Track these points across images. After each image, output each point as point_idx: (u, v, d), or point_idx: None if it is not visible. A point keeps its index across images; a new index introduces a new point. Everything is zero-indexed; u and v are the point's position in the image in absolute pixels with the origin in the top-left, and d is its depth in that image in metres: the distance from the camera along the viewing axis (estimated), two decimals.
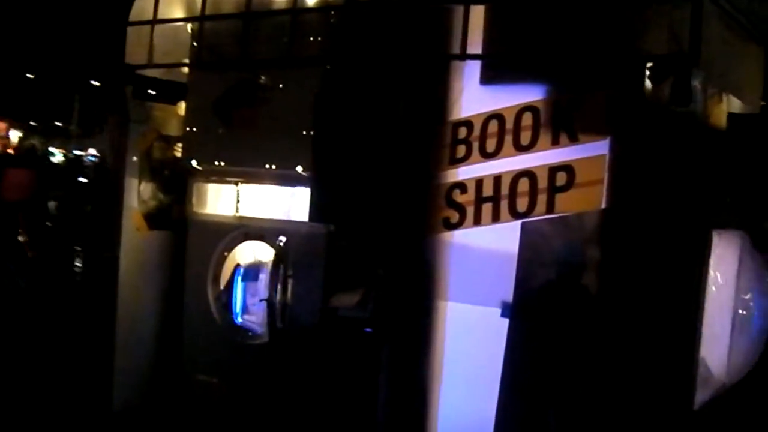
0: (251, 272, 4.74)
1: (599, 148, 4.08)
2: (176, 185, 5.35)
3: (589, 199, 4.12)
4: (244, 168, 5.04)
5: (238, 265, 5.09)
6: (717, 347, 4.48)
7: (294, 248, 4.71)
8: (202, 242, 5.31)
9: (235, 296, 4.81)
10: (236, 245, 5.23)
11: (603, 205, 4.06)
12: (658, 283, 4.06)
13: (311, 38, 4.73)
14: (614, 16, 4.01)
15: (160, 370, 5.35)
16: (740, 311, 4.41)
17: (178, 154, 5.34)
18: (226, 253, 5.25)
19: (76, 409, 5.20)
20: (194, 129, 5.24)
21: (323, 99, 4.66)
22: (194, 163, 5.22)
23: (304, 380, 4.65)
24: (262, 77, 4.93)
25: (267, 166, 4.88)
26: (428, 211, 4.51)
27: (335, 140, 4.65)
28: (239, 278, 4.76)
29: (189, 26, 5.29)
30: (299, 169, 4.74)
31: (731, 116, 4.61)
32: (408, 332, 4.53)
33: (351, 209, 4.62)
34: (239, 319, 4.86)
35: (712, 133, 4.40)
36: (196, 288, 5.33)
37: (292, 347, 4.67)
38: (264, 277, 4.66)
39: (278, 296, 4.61)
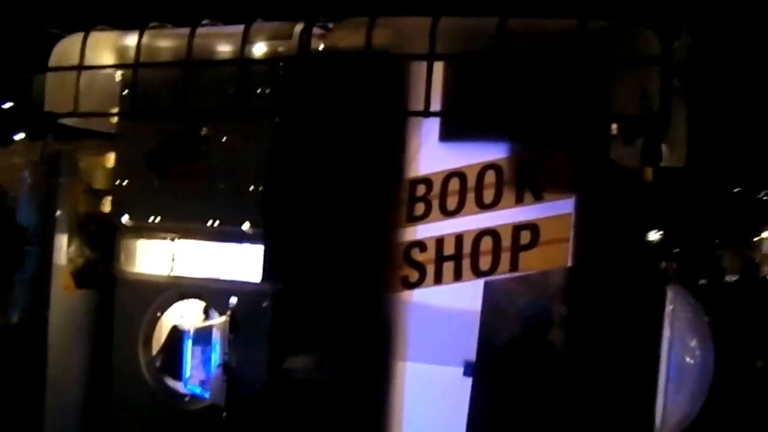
0: (202, 336, 4.39)
1: (564, 206, 4.06)
2: (104, 241, 4.94)
3: (554, 257, 4.07)
4: (182, 224, 4.69)
5: (175, 327, 4.72)
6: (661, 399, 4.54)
7: (243, 309, 4.42)
8: (132, 302, 4.89)
9: (185, 361, 4.43)
10: (170, 305, 4.87)
11: (568, 263, 4.07)
12: (619, 339, 4.08)
13: (259, 89, 4.52)
14: (580, 74, 4.05)
15: None
16: (687, 359, 4.48)
17: (107, 209, 4.95)
18: (158, 314, 4.85)
19: None
20: (125, 182, 4.88)
21: (274, 153, 4.45)
22: (125, 218, 4.85)
23: None
24: (204, 129, 4.66)
25: (209, 222, 4.60)
26: (386, 270, 4.33)
27: (287, 196, 4.43)
28: (189, 342, 4.40)
29: (119, 73, 4.96)
30: (246, 226, 4.48)
31: (661, 170, 4.76)
32: (366, 393, 4.32)
33: (305, 267, 4.39)
34: (188, 386, 4.47)
35: (649, 188, 4.52)
36: (126, 351, 4.90)
37: (247, 412, 4.34)
38: (219, 341, 4.32)
39: (234, 360, 4.29)
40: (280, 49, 4.49)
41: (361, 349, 4.30)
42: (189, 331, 4.42)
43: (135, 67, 4.80)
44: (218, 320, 4.37)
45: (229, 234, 4.56)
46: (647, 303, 4.09)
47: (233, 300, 4.39)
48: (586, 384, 3.97)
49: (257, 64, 4.55)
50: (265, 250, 4.42)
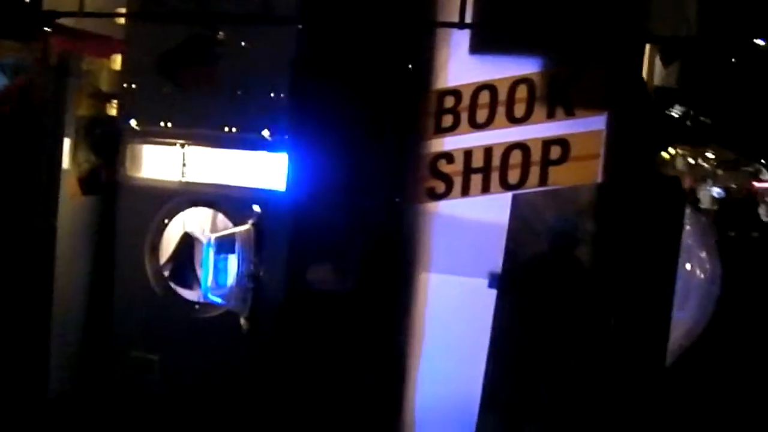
0: (222, 244, 4.28)
1: (596, 123, 4.09)
2: (109, 146, 4.73)
3: (584, 173, 4.09)
4: (194, 130, 4.54)
5: (186, 234, 4.59)
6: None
7: (262, 217, 4.32)
8: (137, 209, 4.72)
9: (206, 269, 4.32)
10: (178, 213, 4.72)
11: (598, 179, 4.10)
12: (640, 254, 4.17)
13: None
14: None
15: (94, 351, 4.73)
16: (698, 273, 4.63)
17: (112, 113, 4.72)
18: (166, 221, 4.70)
19: (6, 399, 4.46)
20: (133, 86, 4.65)
21: (298, 60, 4.30)
22: (133, 122, 4.64)
23: (281, 358, 4.29)
24: (220, 33, 4.46)
25: (226, 128, 4.44)
26: (411, 181, 4.32)
27: (312, 105, 4.31)
28: (210, 250, 4.28)
29: None
30: (266, 133, 4.35)
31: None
32: (388, 304, 4.32)
33: (328, 177, 4.31)
34: (208, 294, 4.37)
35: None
36: (130, 258, 4.76)
37: (271, 321, 4.29)
38: (244, 249, 4.22)
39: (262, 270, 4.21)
40: None
41: (384, 260, 4.29)
42: (210, 239, 4.29)
43: None
44: (241, 228, 4.26)
45: (247, 141, 4.42)
46: (668, 220, 4.18)
47: (256, 208, 4.29)
48: (609, 298, 4.07)
49: None
50: (290, 159, 4.31)
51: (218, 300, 4.37)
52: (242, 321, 4.35)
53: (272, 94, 4.35)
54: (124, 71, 4.72)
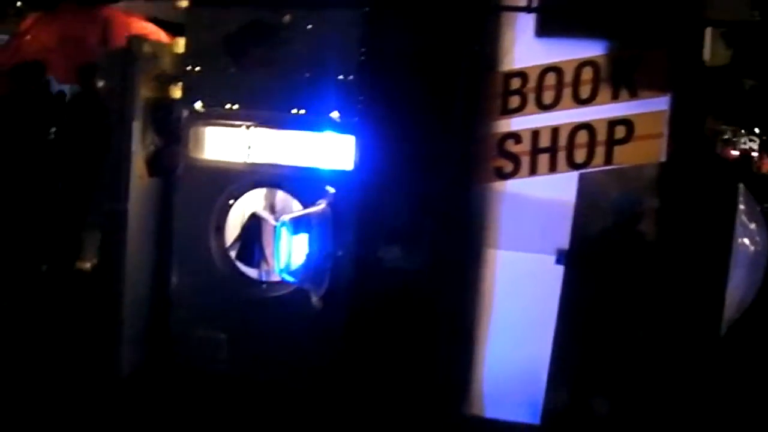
0: (297, 224, 4.93)
1: (659, 103, 4.78)
2: (174, 128, 5.37)
3: (648, 152, 4.81)
4: (261, 111, 5.20)
5: (254, 214, 5.26)
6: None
7: (336, 198, 5.00)
8: (202, 190, 5.42)
9: (278, 250, 4.96)
10: (244, 194, 5.39)
11: (661, 159, 4.79)
12: (698, 228, 4.87)
13: None
14: None
15: (161, 331, 5.41)
16: (748, 244, 5.31)
17: (177, 95, 5.35)
18: (231, 202, 5.39)
19: (80, 377, 5.13)
20: (197, 68, 5.29)
21: (365, 43, 4.96)
22: (198, 105, 5.28)
23: (353, 335, 4.98)
24: (287, 16, 5.10)
25: (294, 110, 5.09)
26: (479, 160, 5.00)
27: (380, 87, 4.97)
28: (284, 230, 4.92)
29: None
30: (335, 114, 5.01)
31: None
32: (457, 281, 5.01)
33: (397, 157, 4.98)
34: (283, 275, 5.03)
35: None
36: (194, 238, 5.44)
37: (343, 301, 4.97)
38: (319, 230, 4.88)
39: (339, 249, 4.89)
40: None
41: (453, 238, 4.98)
42: (284, 219, 4.95)
43: None
44: (316, 208, 4.94)
45: (315, 122, 5.11)
46: (724, 195, 4.87)
47: (330, 189, 4.95)
48: (671, 271, 4.77)
49: None
50: (359, 140, 4.98)
51: (291, 279, 5.04)
52: (314, 299, 5.05)
53: (340, 76, 5.03)
54: (188, 54, 5.39)
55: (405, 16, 5.04)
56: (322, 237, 4.93)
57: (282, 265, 5.00)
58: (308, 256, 4.95)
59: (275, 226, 5.00)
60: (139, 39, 5.22)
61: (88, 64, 8.21)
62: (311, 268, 4.94)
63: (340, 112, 5.04)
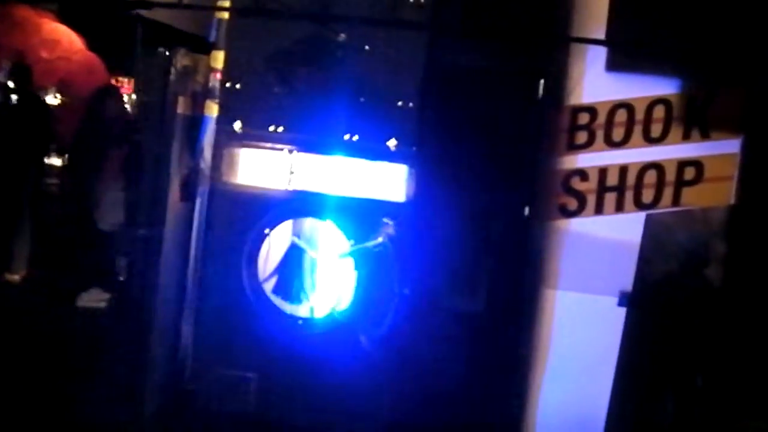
0: (360, 258, 5.60)
1: (731, 146, 5.69)
2: (204, 148, 6.00)
3: (717, 194, 5.72)
4: (308, 136, 5.89)
5: (294, 245, 5.93)
6: None
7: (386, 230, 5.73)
8: (235, 216, 6.08)
9: (312, 284, 5.66)
10: (281, 222, 6.06)
11: (731, 201, 5.67)
12: None
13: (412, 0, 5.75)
14: (754, 12, 5.60)
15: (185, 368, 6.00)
16: None
17: (211, 113, 5.98)
18: (267, 231, 6.06)
19: (103, 415, 5.68)
20: (237, 86, 5.95)
21: (428, 69, 5.71)
22: (237, 125, 5.93)
23: (406, 374, 5.69)
24: (342, 35, 5.81)
25: (346, 136, 5.79)
26: (542, 197, 5.79)
27: (440, 116, 5.73)
28: (340, 263, 5.59)
29: None
30: (392, 143, 5.74)
31: None
32: (515, 322, 5.78)
33: (456, 191, 5.74)
34: (333, 312, 5.70)
35: None
36: (224, 269, 6.09)
37: (393, 342, 5.69)
38: (378, 265, 5.57)
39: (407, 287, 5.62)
40: None
41: (513, 277, 5.75)
42: (339, 253, 5.64)
43: None
44: (375, 242, 5.64)
45: (369, 150, 5.85)
46: None
47: (388, 221, 5.67)
48: (740, 319, 5.64)
49: None
50: (413, 170, 5.72)
51: (341, 317, 5.74)
52: (363, 340, 5.74)
53: (399, 103, 5.79)
54: (228, 69, 6.04)
55: (470, 42, 5.84)
56: (383, 274, 5.65)
57: (333, 302, 5.71)
58: (364, 293, 5.66)
59: (329, 259, 5.72)
60: (177, 50, 5.83)
61: (20, 65, 8.88)
62: (368, 307, 5.65)
63: (396, 141, 5.80)
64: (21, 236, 10.47)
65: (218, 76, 6.12)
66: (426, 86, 5.84)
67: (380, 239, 5.82)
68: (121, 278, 6.59)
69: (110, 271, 10.48)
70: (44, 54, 13.35)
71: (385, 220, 5.84)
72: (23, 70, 10.56)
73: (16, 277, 9.92)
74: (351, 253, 5.76)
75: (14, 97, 10.35)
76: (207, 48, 6.41)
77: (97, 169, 10.95)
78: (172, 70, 5.84)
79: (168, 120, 5.84)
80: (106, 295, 10.46)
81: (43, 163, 11.01)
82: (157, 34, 6.46)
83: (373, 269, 5.73)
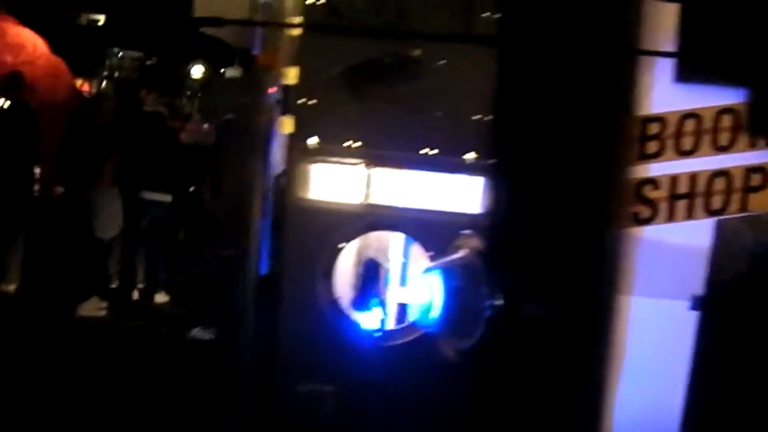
0: (451, 270, 6.37)
1: None
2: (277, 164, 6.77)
3: None
4: (384, 151, 6.67)
5: (371, 260, 6.70)
6: None
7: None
8: (309, 232, 6.85)
9: (425, 299, 6.44)
10: (356, 237, 6.85)
11: None
12: None
13: (484, 13, 6.53)
14: None
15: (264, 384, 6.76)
16: None
17: (287, 129, 6.74)
18: (341, 246, 6.81)
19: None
20: (312, 101, 6.71)
21: (502, 82, 6.50)
22: (313, 141, 6.68)
23: (483, 387, 6.46)
24: (417, 50, 6.59)
25: (424, 150, 6.57)
26: (616, 206, 6.60)
27: (515, 129, 6.53)
28: (438, 278, 6.35)
29: None
30: (469, 156, 6.52)
31: None
32: (592, 329, 6.57)
33: (534, 202, 6.53)
34: (421, 325, 6.49)
35: None
36: (300, 284, 6.84)
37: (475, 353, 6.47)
38: (465, 278, 6.35)
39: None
40: None
41: (589, 285, 6.55)
42: (430, 266, 6.42)
43: None
44: (461, 255, 6.41)
45: (446, 164, 6.67)
46: None
47: (472, 234, 6.46)
48: None
49: None
50: (490, 182, 6.51)
51: (417, 329, 6.53)
52: (449, 351, 6.50)
53: (475, 117, 6.57)
54: (302, 85, 6.78)
55: (542, 56, 6.65)
56: (470, 286, 6.42)
57: (414, 315, 6.47)
58: (450, 305, 6.43)
59: (409, 272, 6.50)
60: (265, 67, 6.59)
61: (12, 74, 9.81)
62: (455, 319, 6.41)
63: (474, 153, 6.58)
64: (13, 246, 11.47)
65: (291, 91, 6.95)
66: (499, 99, 6.66)
67: (464, 251, 6.60)
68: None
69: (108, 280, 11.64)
70: (9, 59, 14.35)
71: (465, 232, 6.63)
72: (13, 78, 11.43)
73: (10, 288, 10.88)
74: (436, 267, 6.53)
75: (2, 104, 11.25)
76: (250, 61, 7.18)
77: (93, 178, 11.87)
78: (260, 87, 6.61)
79: (252, 137, 6.59)
80: (104, 304, 11.53)
81: (33, 171, 11.96)
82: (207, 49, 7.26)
83: (460, 282, 6.51)
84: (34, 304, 10.38)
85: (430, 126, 7.32)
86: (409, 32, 7.21)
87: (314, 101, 7.52)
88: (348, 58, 7.43)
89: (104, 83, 32.26)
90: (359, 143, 7.35)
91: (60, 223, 12.14)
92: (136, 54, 33.81)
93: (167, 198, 13.86)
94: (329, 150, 7.37)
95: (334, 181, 7.61)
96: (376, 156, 7.35)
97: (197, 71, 38.54)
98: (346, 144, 7.35)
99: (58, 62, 17.27)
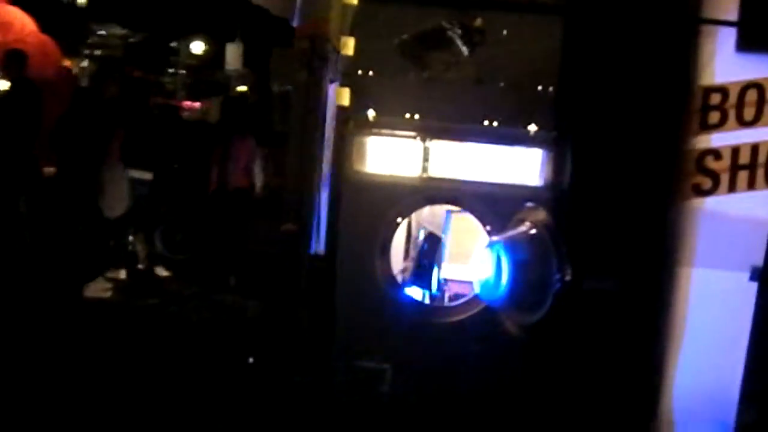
0: (521, 247, 6.66)
1: None
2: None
3: None
4: (444, 123, 6.95)
5: (431, 234, 6.97)
6: None
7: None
8: (365, 206, 7.15)
9: (499, 277, 6.74)
10: (413, 210, 7.13)
11: None
12: None
13: None
14: None
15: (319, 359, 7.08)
16: None
17: (344, 101, 6.99)
18: (399, 220, 7.12)
19: None
20: (370, 73, 6.96)
21: (566, 52, 6.81)
22: (370, 113, 6.93)
23: (545, 360, 6.82)
24: (479, 19, 6.85)
25: (486, 122, 6.85)
26: (678, 177, 6.95)
27: (578, 100, 6.84)
28: (499, 253, 6.65)
29: None
30: (532, 127, 6.81)
31: None
32: (653, 300, 6.93)
33: (594, 174, 6.86)
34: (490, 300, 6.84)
35: None
36: (357, 258, 7.11)
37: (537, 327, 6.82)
38: (534, 252, 6.66)
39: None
40: None
41: (652, 257, 6.91)
42: (496, 240, 6.73)
43: None
44: (530, 228, 6.72)
45: (508, 135, 7.01)
46: None
47: (539, 208, 6.77)
48: None
49: None
50: (552, 155, 6.82)
51: (488, 304, 6.87)
52: (511, 325, 6.83)
53: (539, 87, 6.89)
54: (358, 57, 7.03)
55: (605, 27, 6.97)
56: (536, 259, 6.74)
57: (476, 290, 6.79)
58: (515, 279, 6.75)
59: (472, 246, 6.81)
60: (320, 38, 6.82)
61: (14, 52, 10.20)
62: (519, 294, 6.74)
63: (537, 125, 6.88)
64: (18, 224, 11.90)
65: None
66: (563, 69, 6.97)
67: (528, 224, 6.91)
68: None
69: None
70: None
71: (528, 205, 6.93)
72: (16, 56, 11.71)
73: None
74: (501, 241, 6.83)
75: (6, 83, 11.48)
76: (291, 32, 7.43)
77: (99, 156, 12.16)
78: (314, 58, 6.84)
79: (316, 111, 6.84)
80: (110, 285, 11.94)
81: (34, 149, 12.27)
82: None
83: (527, 255, 6.83)
84: (40, 287, 10.65)
85: (492, 97, 7.86)
86: (472, 0, 7.51)
87: (371, 72, 8.00)
88: (406, 28, 7.83)
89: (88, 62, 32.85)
90: (417, 115, 7.94)
91: (63, 202, 12.46)
92: (120, 31, 34.35)
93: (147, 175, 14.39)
94: (386, 122, 7.80)
95: (392, 154, 8.06)
96: (434, 128, 7.93)
97: (197, 47, 39.52)
98: (404, 116, 7.88)
99: (46, 40, 17.63)
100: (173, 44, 38.10)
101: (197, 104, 30.11)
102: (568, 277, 7.52)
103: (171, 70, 37.09)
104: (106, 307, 12.51)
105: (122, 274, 14.26)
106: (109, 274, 13.91)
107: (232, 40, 31.45)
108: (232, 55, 31.84)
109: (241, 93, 30.62)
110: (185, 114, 23.23)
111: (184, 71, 39.27)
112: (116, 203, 14.21)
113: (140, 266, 14.68)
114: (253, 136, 15.14)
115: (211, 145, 15.97)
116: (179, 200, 15.55)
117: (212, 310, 12.41)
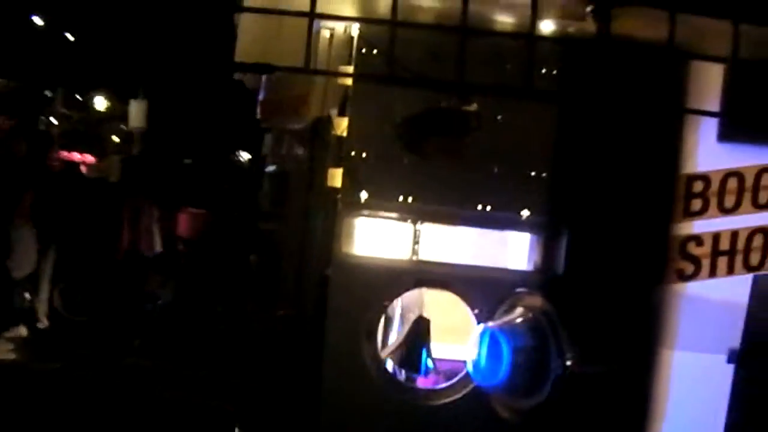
0: (519, 332, 6.70)
1: None
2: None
3: None
4: (438, 206, 6.93)
5: (421, 317, 6.95)
6: None
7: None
8: (353, 289, 7.04)
9: (494, 361, 6.76)
10: (400, 294, 7.06)
11: None
12: None
13: (543, 69, 6.88)
14: None
15: None
16: None
17: (334, 183, 6.89)
18: (386, 303, 7.02)
19: None
20: (363, 155, 6.85)
21: (560, 138, 6.89)
22: (363, 195, 6.84)
23: None
24: (473, 104, 6.85)
25: (479, 206, 6.86)
26: (662, 262, 7.13)
27: (570, 184, 6.92)
28: (495, 338, 6.68)
29: (355, 27, 6.85)
30: (525, 212, 6.87)
31: None
32: (638, 383, 7.09)
33: (584, 259, 6.97)
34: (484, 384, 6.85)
35: None
36: (344, 341, 7.01)
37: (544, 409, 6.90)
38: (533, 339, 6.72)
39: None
40: (570, 29, 6.89)
41: (636, 340, 7.07)
42: (490, 326, 6.77)
43: (393, 24, 6.76)
44: (525, 315, 6.78)
45: (501, 220, 7.00)
46: None
47: (537, 294, 6.82)
48: None
49: (545, 41, 6.94)
50: (545, 240, 6.91)
51: (469, 389, 6.91)
52: (505, 412, 6.89)
53: (533, 173, 6.92)
54: (352, 138, 6.91)
55: (596, 114, 7.09)
56: (537, 346, 6.81)
57: (467, 375, 6.83)
58: (517, 366, 6.82)
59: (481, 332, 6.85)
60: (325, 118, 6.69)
61: None
62: (521, 379, 6.80)
63: (529, 210, 6.95)
64: None
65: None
66: (556, 156, 7.07)
67: (520, 309, 6.98)
68: None
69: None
70: None
71: (520, 290, 7.01)
72: None
73: None
74: (498, 326, 6.89)
75: None
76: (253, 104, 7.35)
77: (10, 214, 11.81)
78: (315, 139, 6.74)
79: (313, 192, 6.75)
80: (11, 346, 11.67)
81: None
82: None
83: (526, 341, 6.91)
84: None
85: (485, 181, 7.96)
86: (467, 85, 7.49)
87: (364, 154, 7.89)
88: (401, 111, 7.76)
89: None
90: (410, 198, 8.00)
91: None
92: None
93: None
94: (378, 204, 7.94)
95: (382, 236, 8.06)
96: (426, 211, 7.98)
97: (100, 103, 38.29)
98: (396, 198, 7.95)
99: None
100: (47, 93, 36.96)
101: (92, 159, 29.26)
102: (568, 362, 7.70)
103: (44, 118, 35.95)
104: (8, 370, 12.30)
105: (23, 331, 14.00)
106: (9, 334, 13.74)
107: (135, 96, 30.61)
108: (136, 111, 30.58)
109: (143, 152, 29.78)
110: (85, 171, 22.75)
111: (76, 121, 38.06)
112: (24, 263, 13.89)
113: (39, 325, 14.39)
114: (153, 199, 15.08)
115: (115, 206, 15.75)
116: (82, 261, 15.20)
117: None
